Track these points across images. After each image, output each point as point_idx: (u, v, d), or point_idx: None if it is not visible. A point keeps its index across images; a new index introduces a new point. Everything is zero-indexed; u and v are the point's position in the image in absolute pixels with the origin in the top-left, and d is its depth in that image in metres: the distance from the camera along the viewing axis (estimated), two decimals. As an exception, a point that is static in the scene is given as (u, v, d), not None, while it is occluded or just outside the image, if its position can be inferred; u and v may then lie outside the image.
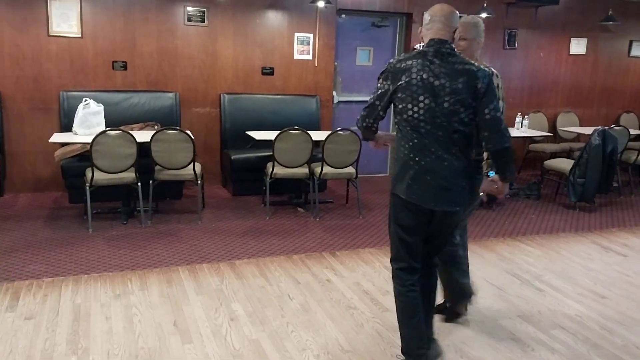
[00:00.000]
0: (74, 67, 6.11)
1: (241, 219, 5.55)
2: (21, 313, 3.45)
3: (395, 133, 2.84)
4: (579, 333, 3.45)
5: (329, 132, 5.54)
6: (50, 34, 5.95)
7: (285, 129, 5.40)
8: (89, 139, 4.92)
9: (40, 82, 6.02)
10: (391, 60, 2.75)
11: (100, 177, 4.97)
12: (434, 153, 2.63)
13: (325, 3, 6.62)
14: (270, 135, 5.55)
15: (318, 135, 5.67)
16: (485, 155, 3.05)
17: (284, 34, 6.86)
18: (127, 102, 6.19)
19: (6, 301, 3.60)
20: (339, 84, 7.41)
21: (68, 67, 6.09)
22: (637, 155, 7.21)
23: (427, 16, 2.76)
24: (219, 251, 4.64)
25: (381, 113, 2.79)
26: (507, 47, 7.98)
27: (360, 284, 4.08)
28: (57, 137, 5.42)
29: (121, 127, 5.21)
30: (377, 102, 2.77)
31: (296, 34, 6.90)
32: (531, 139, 7.89)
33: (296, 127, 5.45)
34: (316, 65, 7.06)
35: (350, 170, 5.63)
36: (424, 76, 2.62)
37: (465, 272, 3.42)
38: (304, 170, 5.60)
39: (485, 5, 7.19)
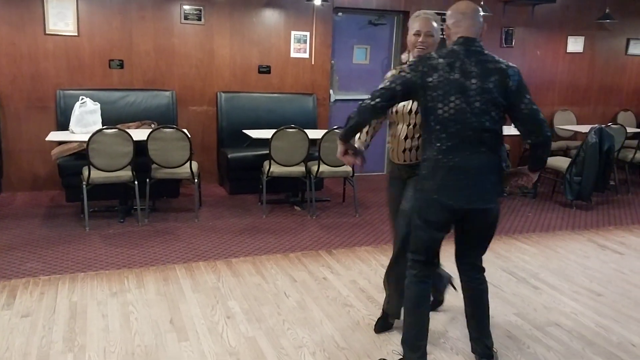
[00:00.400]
0: (71, 66, 6.11)
1: (238, 217, 5.55)
2: (18, 311, 3.45)
3: (363, 145, 3.12)
4: (574, 330, 3.46)
5: (326, 131, 5.54)
6: (47, 32, 5.95)
7: (282, 127, 5.40)
8: (86, 138, 4.92)
9: (37, 81, 6.02)
10: (422, 56, 2.74)
11: (97, 175, 4.97)
12: (464, 152, 2.60)
13: (322, 1, 6.61)
14: (267, 133, 5.55)
15: (315, 134, 5.67)
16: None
17: (281, 32, 6.86)
18: (123, 101, 6.19)
19: (3, 299, 3.60)
20: (336, 83, 7.41)
21: (65, 66, 6.08)
22: (634, 154, 7.22)
23: (453, 13, 2.70)
24: (216, 249, 4.64)
25: (398, 100, 2.72)
26: (504, 45, 7.99)
27: (356, 281, 4.09)
28: (54, 136, 5.41)
29: (118, 126, 5.22)
30: (399, 88, 2.65)
31: (293, 32, 6.90)
32: (528, 137, 7.88)
33: (293, 125, 5.46)
34: (313, 63, 7.06)
35: (347, 168, 5.63)
36: (456, 76, 2.58)
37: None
38: (301, 168, 5.60)
39: (482, 3, 7.19)
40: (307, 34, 6.95)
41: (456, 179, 2.62)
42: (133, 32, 6.26)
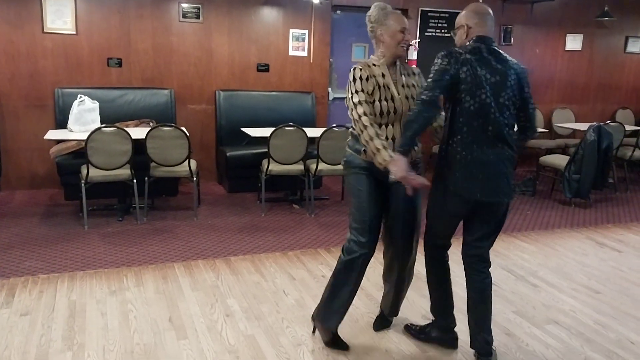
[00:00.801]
0: (69, 64, 6.10)
1: (237, 216, 5.55)
2: (17, 309, 3.45)
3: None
4: (573, 328, 3.47)
5: (324, 129, 5.54)
6: (45, 30, 5.94)
7: (281, 125, 5.40)
8: (84, 136, 4.92)
9: (35, 79, 6.01)
10: (451, 51, 2.75)
11: (95, 174, 4.97)
12: (484, 146, 2.72)
13: (321, -1, 6.62)
14: (265, 132, 5.55)
15: (313, 132, 5.67)
16: None
17: (279, 30, 6.85)
18: (122, 99, 6.19)
19: (2, 297, 3.60)
20: (335, 81, 7.41)
21: (63, 64, 6.08)
22: (633, 151, 7.23)
23: (476, 14, 2.84)
24: (215, 248, 4.64)
25: (444, 94, 2.74)
26: (503, 43, 7.99)
27: (355, 279, 4.08)
28: (53, 134, 5.41)
29: (116, 124, 5.22)
30: (447, 81, 2.66)
31: (291, 31, 6.90)
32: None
33: (291, 123, 5.46)
34: (311, 61, 7.06)
35: (346, 166, 5.62)
36: (483, 72, 2.69)
37: None
38: (299, 167, 5.60)
39: (480, 1, 7.18)
40: (306, 32, 6.95)
41: (475, 172, 2.73)
42: (131, 31, 6.25)
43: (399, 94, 2.87)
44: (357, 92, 2.84)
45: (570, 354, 3.16)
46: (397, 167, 2.62)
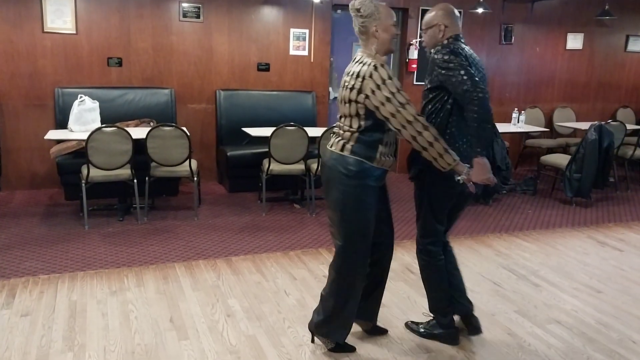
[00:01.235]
0: (69, 64, 6.09)
1: (237, 216, 5.54)
2: (17, 310, 3.44)
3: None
4: (574, 328, 3.46)
5: (325, 128, 5.53)
6: (45, 30, 5.93)
7: (281, 125, 5.39)
8: (85, 136, 4.91)
9: (35, 79, 6.00)
10: (456, 49, 2.77)
11: (96, 174, 4.96)
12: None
13: (321, -1, 6.61)
14: (266, 131, 5.54)
15: (314, 131, 5.66)
16: None
17: (280, 29, 6.84)
18: (122, 99, 6.18)
19: (2, 298, 3.59)
20: (335, 80, 7.40)
21: (63, 64, 6.07)
22: (634, 150, 7.22)
23: (449, 14, 2.89)
24: (215, 247, 4.64)
25: None
26: (504, 42, 7.98)
27: (356, 279, 4.08)
28: (53, 134, 5.40)
29: (117, 124, 5.21)
30: (474, 72, 2.70)
31: (292, 30, 6.89)
32: (527, 135, 7.89)
33: (292, 123, 5.45)
34: (312, 61, 7.05)
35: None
36: (474, 68, 2.77)
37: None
38: (300, 166, 5.59)
39: (481, 0, 7.18)
40: (306, 31, 6.94)
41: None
42: (131, 30, 6.24)
43: None
44: (398, 91, 2.61)
45: (572, 354, 3.15)
46: (486, 168, 2.68)
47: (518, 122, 7.14)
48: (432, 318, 3.25)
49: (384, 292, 3.16)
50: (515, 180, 7.11)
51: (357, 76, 2.67)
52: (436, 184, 2.92)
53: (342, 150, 2.75)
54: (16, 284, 3.81)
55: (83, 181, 4.97)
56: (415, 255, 3.17)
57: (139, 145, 5.04)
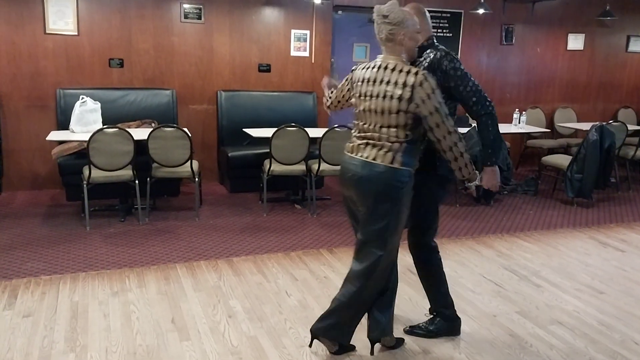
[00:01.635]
0: (71, 65, 6.10)
1: (238, 216, 5.55)
2: (19, 311, 3.45)
3: None
4: (577, 329, 3.46)
5: (326, 129, 5.53)
6: (47, 31, 5.93)
7: (282, 125, 5.39)
8: (86, 137, 4.91)
9: (37, 80, 6.01)
10: (452, 54, 2.90)
11: (97, 174, 4.97)
12: None
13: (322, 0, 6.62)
14: (267, 132, 5.54)
15: (315, 132, 5.66)
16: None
17: (281, 30, 6.84)
18: (123, 100, 6.18)
19: (4, 299, 3.59)
20: (336, 81, 7.39)
21: (64, 65, 6.07)
22: (635, 151, 7.22)
23: (424, 15, 2.94)
24: (217, 248, 4.64)
25: None
26: (505, 42, 7.98)
27: (358, 280, 4.08)
28: (54, 135, 5.41)
29: (118, 125, 5.21)
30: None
31: (293, 31, 6.89)
32: (528, 135, 7.90)
33: (293, 124, 5.45)
34: (313, 61, 7.05)
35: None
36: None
37: None
38: (301, 167, 5.60)
39: (482, 1, 7.18)
40: (307, 32, 6.94)
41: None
42: (133, 31, 6.25)
43: None
44: (442, 103, 2.67)
45: (575, 355, 3.15)
46: (497, 176, 2.88)
47: (519, 122, 7.14)
48: (434, 316, 3.28)
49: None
50: (516, 181, 7.11)
51: (405, 85, 2.64)
52: (434, 180, 3.01)
53: (392, 162, 2.71)
54: (18, 285, 3.81)
55: (84, 182, 4.98)
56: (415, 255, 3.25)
57: (141, 146, 5.04)
